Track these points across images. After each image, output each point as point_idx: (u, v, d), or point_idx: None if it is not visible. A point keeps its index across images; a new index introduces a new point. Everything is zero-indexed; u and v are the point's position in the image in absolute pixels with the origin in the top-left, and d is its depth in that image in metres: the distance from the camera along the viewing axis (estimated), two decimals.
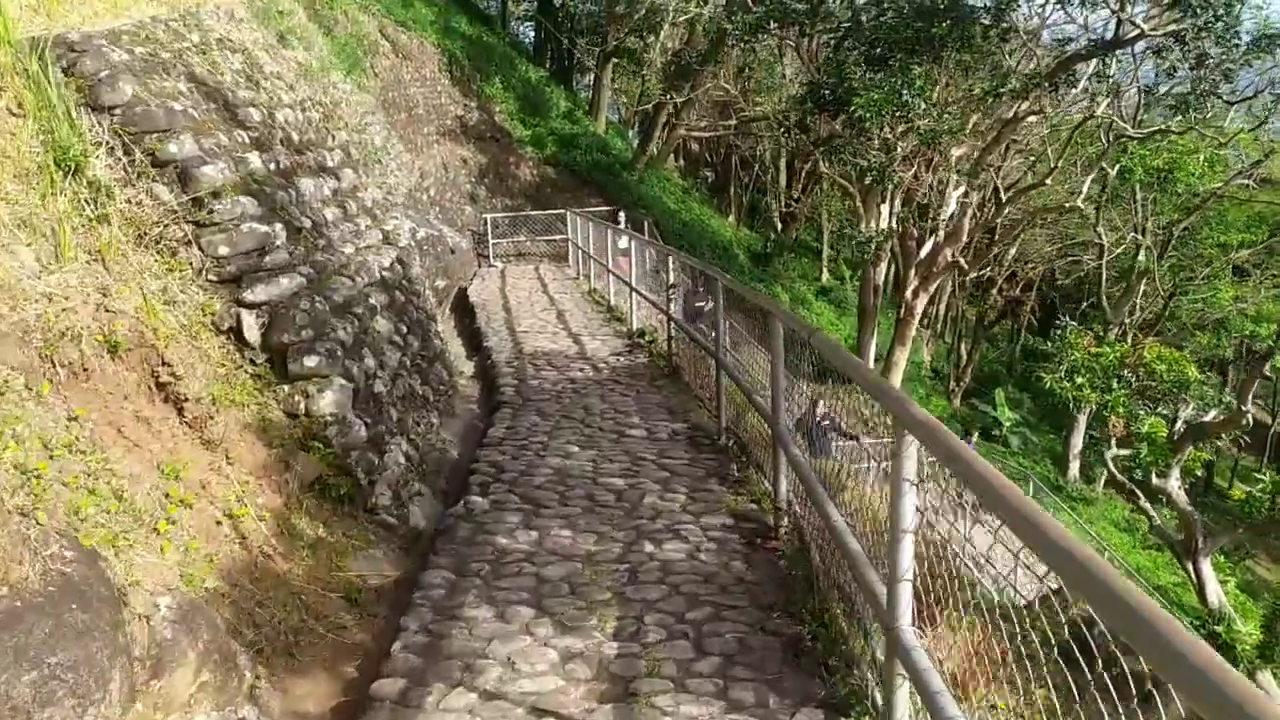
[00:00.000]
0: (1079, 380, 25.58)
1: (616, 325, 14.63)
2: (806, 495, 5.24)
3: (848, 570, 4.36)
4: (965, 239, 25.36)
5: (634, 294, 13.42)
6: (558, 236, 25.18)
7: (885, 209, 27.23)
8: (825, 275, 40.60)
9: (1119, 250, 31.97)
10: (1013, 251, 37.46)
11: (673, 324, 10.90)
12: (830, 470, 5.35)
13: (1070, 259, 38.59)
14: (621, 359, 12.17)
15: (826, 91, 23.00)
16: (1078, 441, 35.05)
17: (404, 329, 9.29)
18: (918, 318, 26.62)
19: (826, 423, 7.52)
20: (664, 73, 30.89)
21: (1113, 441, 28.56)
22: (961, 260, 25.49)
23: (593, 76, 35.72)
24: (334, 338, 6.63)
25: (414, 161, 21.37)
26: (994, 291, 40.13)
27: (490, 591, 5.45)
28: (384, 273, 9.28)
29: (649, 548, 6.01)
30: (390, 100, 22.12)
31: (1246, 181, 31.86)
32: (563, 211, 24.42)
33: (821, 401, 7.23)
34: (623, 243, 14.45)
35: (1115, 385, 24.75)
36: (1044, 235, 38.36)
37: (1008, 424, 39.06)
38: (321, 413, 6.25)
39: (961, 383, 42.58)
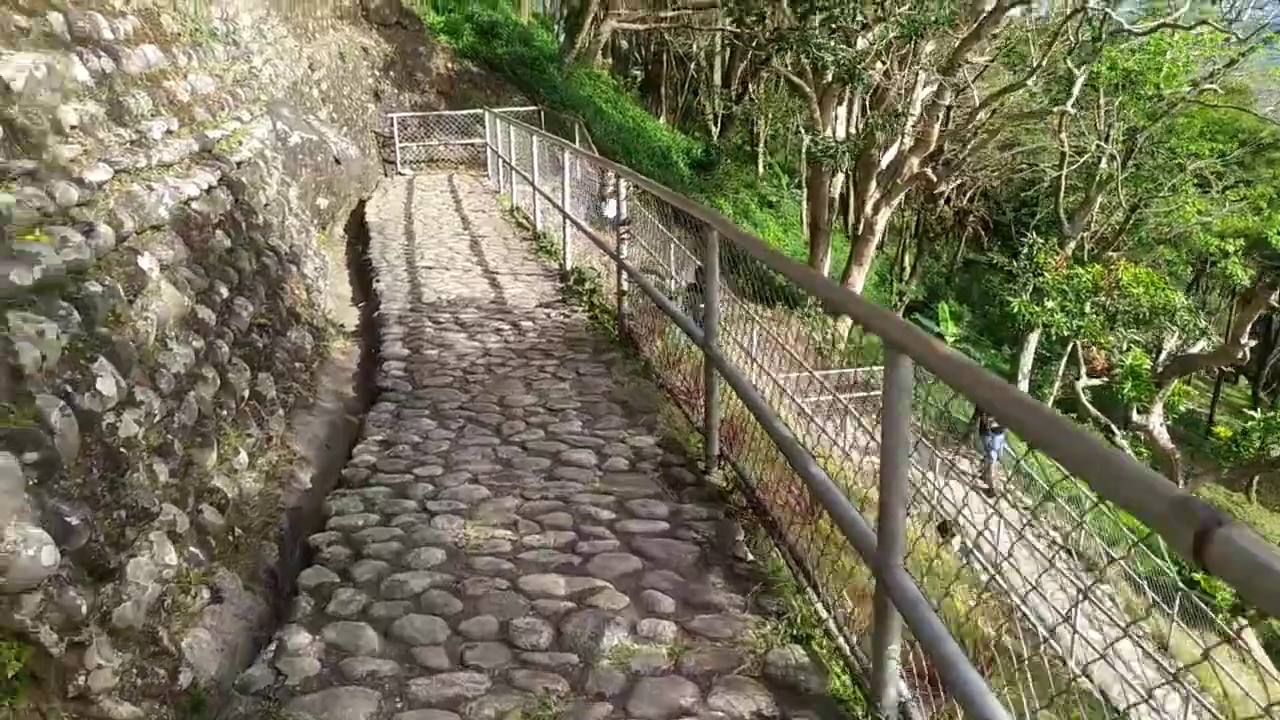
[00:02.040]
0: (1049, 305, 23.02)
1: (546, 260, 11.34)
2: None
3: None
4: (934, 147, 22.30)
5: (568, 223, 10.13)
6: (476, 140, 21.52)
7: (843, 111, 24.02)
8: (763, 185, 37.33)
9: (1082, 160, 29.19)
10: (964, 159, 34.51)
11: (626, 274, 7.68)
12: None
13: (1027, 168, 35.79)
14: (554, 313, 8.94)
15: None
16: (1027, 361, 32.77)
17: (222, 294, 5.96)
18: (878, 236, 23.67)
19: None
20: None
21: (1082, 372, 26.19)
22: (930, 171, 22.47)
23: None
24: None
25: (300, 49, 17.49)
26: (941, 201, 37.31)
27: None
28: (189, 206, 5.91)
29: None
30: None
31: (1212, 86, 29.18)
32: (480, 111, 20.74)
33: None
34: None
35: (1088, 310, 22.25)
36: (996, 142, 35.45)
37: (951, 339, 36.76)
38: None
39: (904, 296, 40.04)
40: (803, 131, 39.43)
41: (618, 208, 7.83)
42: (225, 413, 5.36)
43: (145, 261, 4.80)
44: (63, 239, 4.04)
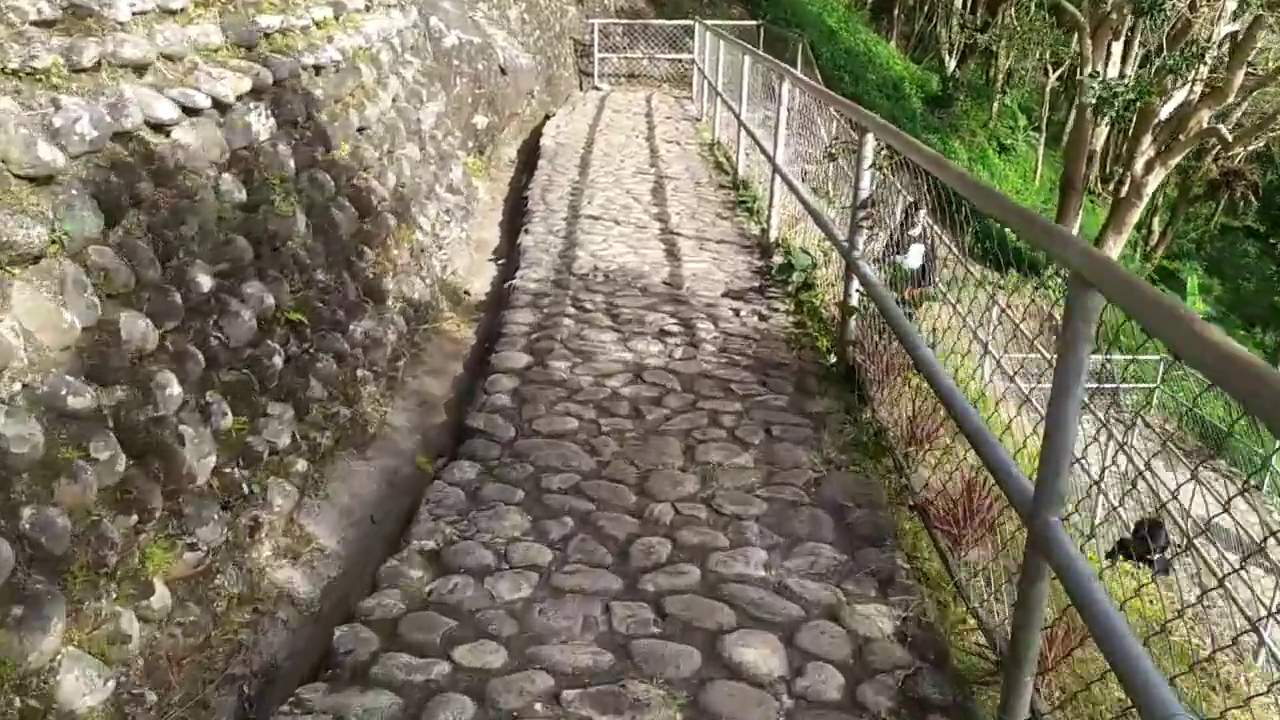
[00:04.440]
0: None
1: (744, 222, 8.56)
2: None
3: None
4: (1231, 99, 17.94)
5: (778, 179, 7.30)
6: (684, 56, 18.66)
7: (1119, 48, 19.79)
8: (998, 126, 32.70)
9: None
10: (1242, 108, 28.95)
11: (859, 281, 4.82)
12: None
13: None
14: (745, 311, 6.20)
15: None
16: None
17: (199, 286, 3.58)
18: (1146, 200, 19.54)
19: None
20: None
21: None
22: (1223, 128, 18.14)
23: None
24: None
25: None
26: (1209, 160, 31.87)
27: None
28: (144, 138, 3.55)
29: None
30: None
31: None
32: (691, 23, 17.83)
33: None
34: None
35: None
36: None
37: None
38: None
39: (1150, 262, 34.85)
40: (1050, 70, 34.49)
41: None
42: (137, 516, 2.98)
43: None
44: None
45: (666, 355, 5.46)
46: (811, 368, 5.31)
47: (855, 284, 4.95)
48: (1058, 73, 36.93)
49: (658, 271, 6.99)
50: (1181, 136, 18.29)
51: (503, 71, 10.10)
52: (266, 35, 4.82)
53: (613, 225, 8.28)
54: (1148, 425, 13.85)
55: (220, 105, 4.03)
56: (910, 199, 5.66)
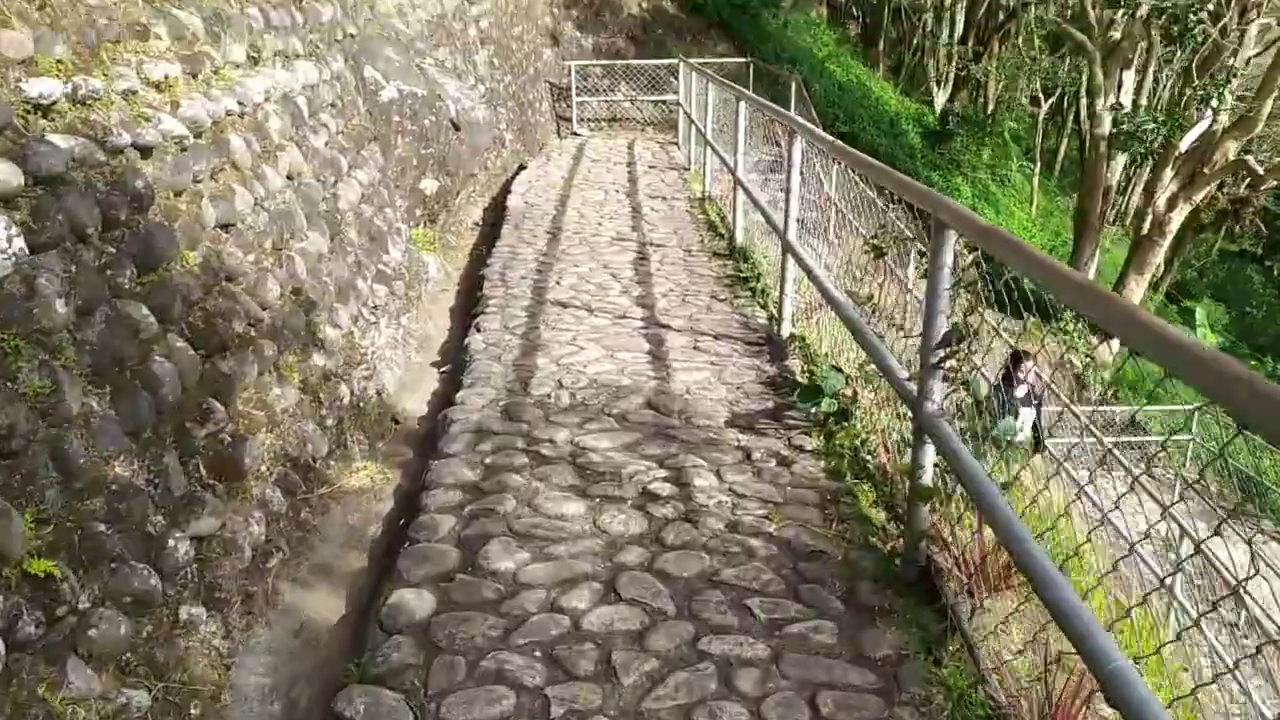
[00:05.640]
0: None
1: (746, 306, 6.91)
2: None
3: None
4: (1260, 126, 16.45)
5: (789, 259, 5.67)
6: (669, 97, 17.13)
7: (1130, 78, 18.36)
8: (991, 156, 31.20)
9: None
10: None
11: (936, 449, 3.17)
12: None
13: None
14: (758, 453, 4.52)
15: None
16: None
17: None
18: (1169, 238, 18.01)
19: None
20: None
21: None
22: (1253, 161, 16.64)
23: None
24: None
25: None
26: (1215, 186, 30.43)
27: None
28: None
29: None
30: None
31: None
32: (675, 62, 16.31)
33: None
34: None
35: None
36: None
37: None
38: None
39: (1157, 291, 33.29)
40: (1043, 99, 33.12)
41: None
42: None
43: None
44: None
45: (653, 539, 3.78)
46: (864, 561, 3.63)
47: (929, 451, 3.30)
48: (1049, 101, 35.67)
49: (641, 387, 5.32)
50: (1206, 170, 16.78)
51: (455, 127, 8.48)
52: (40, 109, 3.19)
53: (585, 315, 6.63)
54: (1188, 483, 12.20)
55: None
56: (1015, 347, 4.04)
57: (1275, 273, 40.15)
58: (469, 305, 7.43)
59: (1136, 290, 18.28)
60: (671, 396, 5.19)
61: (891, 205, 5.05)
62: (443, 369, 6.34)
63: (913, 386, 3.39)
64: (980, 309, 3.08)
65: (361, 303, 5.81)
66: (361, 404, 5.18)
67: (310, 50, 6.19)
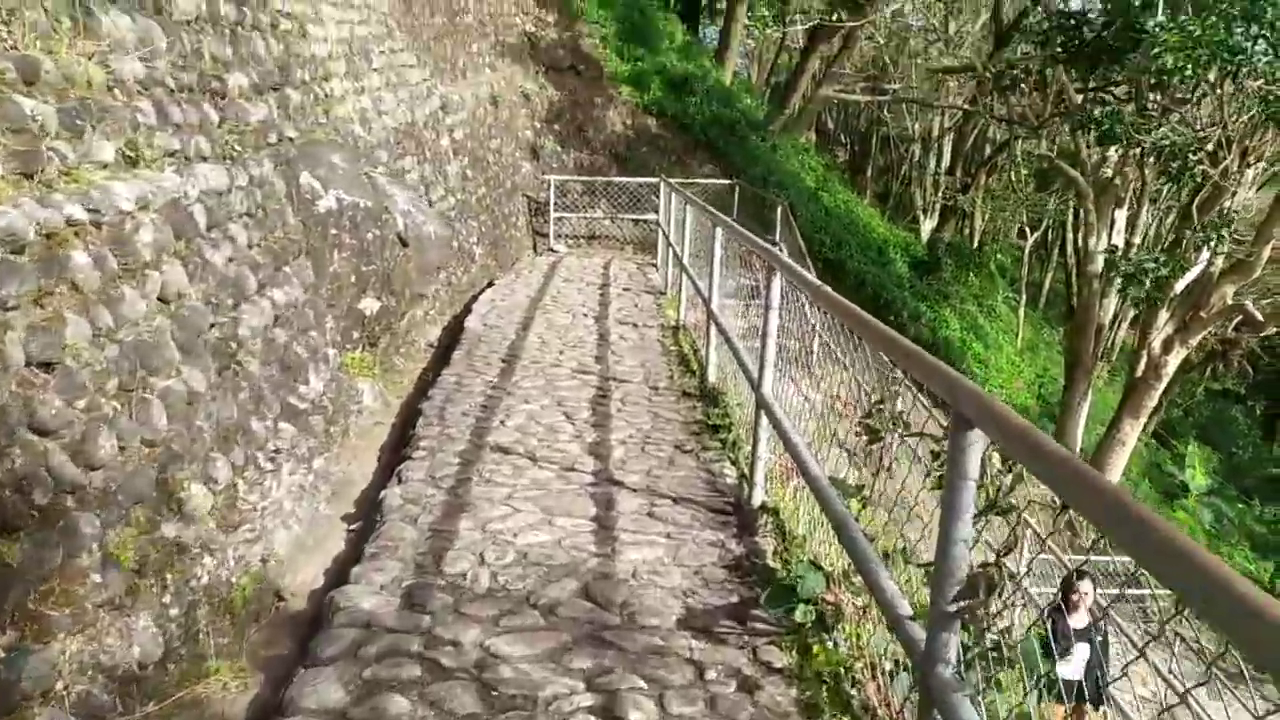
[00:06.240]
0: None
1: (713, 460, 6.00)
2: None
3: None
4: (1257, 273, 15.93)
5: (764, 416, 4.80)
6: (650, 216, 16.55)
7: (1122, 216, 17.93)
8: (984, 289, 30.89)
9: None
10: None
11: None
12: None
13: None
14: (715, 673, 3.53)
15: (1086, 29, 13.90)
16: None
17: None
18: (1165, 381, 17.31)
19: None
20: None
21: None
22: (1250, 305, 16.07)
23: (725, 10, 26.64)
24: None
25: (433, 85, 12.94)
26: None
27: None
28: None
29: None
30: None
31: None
32: (657, 180, 15.76)
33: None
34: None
35: None
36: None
37: (1196, 492, 29.42)
38: None
39: (1145, 431, 32.60)
40: (1029, 232, 33.03)
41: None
42: None
43: None
44: None
45: None
46: None
47: None
48: (1035, 235, 35.62)
49: (578, 567, 4.37)
50: (1204, 313, 16.19)
51: (403, 242, 7.68)
52: None
53: (527, 465, 5.70)
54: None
55: None
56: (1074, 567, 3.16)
57: (1259, 413, 39.78)
58: (403, 442, 6.51)
59: (1131, 434, 17.51)
60: (614, 582, 4.23)
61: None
62: (352, 526, 5.37)
63: (920, 632, 2.46)
64: (1023, 538, 2.17)
65: (256, 447, 4.87)
66: (233, 580, 4.19)
67: (225, 152, 5.40)
